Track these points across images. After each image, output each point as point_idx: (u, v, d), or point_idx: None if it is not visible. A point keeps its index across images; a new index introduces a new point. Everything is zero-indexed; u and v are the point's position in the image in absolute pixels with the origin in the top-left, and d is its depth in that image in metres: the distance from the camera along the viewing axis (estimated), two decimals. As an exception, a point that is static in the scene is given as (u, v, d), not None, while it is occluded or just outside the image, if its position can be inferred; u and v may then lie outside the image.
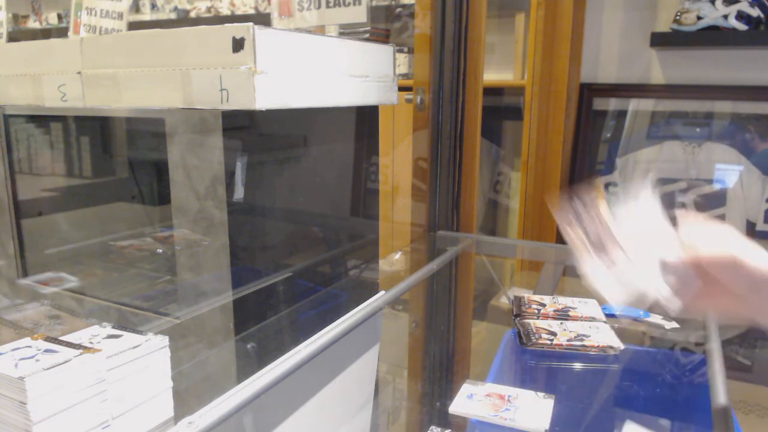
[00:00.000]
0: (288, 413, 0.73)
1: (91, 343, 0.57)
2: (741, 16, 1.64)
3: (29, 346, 0.55)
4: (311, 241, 1.09)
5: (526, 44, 2.08)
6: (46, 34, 3.78)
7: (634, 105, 1.95)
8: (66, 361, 0.51)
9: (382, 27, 2.55)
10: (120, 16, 0.99)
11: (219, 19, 3.14)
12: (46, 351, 0.54)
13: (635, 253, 0.57)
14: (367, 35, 2.31)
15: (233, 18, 3.07)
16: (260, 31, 0.72)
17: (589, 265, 0.58)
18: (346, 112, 1.10)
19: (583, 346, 1.00)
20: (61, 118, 1.13)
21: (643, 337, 1.14)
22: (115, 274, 1.11)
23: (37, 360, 0.52)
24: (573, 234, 0.60)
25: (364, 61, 0.95)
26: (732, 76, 1.81)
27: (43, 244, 1.14)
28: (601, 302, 1.18)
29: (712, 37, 1.71)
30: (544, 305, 1.14)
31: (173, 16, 3.25)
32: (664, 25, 1.85)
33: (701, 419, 0.92)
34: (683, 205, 1.86)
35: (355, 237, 1.21)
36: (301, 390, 0.75)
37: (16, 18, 3.89)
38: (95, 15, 1.00)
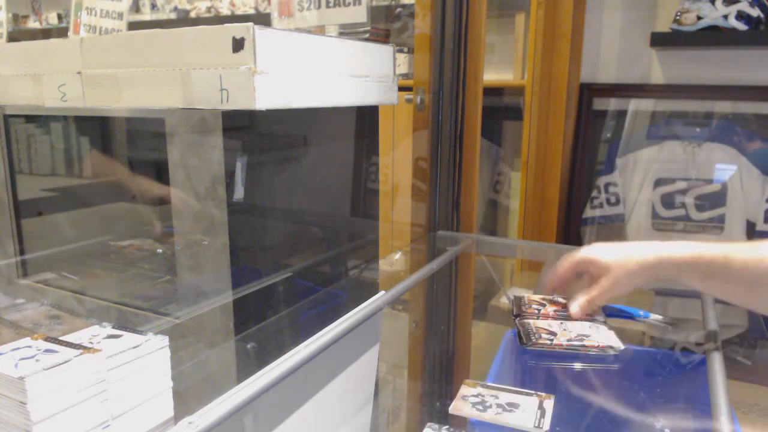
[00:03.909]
0: (288, 413, 0.73)
1: (91, 343, 0.57)
2: (741, 16, 1.65)
3: (29, 346, 0.55)
4: (311, 241, 1.09)
5: (526, 44, 2.08)
6: (46, 34, 3.78)
7: (634, 105, 1.95)
8: (66, 361, 0.51)
9: (382, 27, 2.55)
10: (120, 16, 0.99)
11: (219, 19, 3.14)
12: (46, 351, 0.54)
13: None
14: (367, 35, 2.31)
15: (233, 18, 3.07)
16: (260, 31, 0.72)
17: None
18: (346, 112, 1.10)
19: (583, 346, 1.00)
20: (61, 118, 1.13)
21: (643, 337, 1.14)
22: (115, 274, 1.11)
23: (37, 360, 0.52)
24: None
25: (364, 61, 0.95)
26: (732, 76, 1.81)
27: (43, 244, 1.14)
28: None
29: (712, 37, 1.71)
30: (544, 305, 1.14)
31: (173, 16, 3.25)
32: (664, 25, 1.85)
33: (701, 419, 0.92)
34: (683, 205, 1.86)
35: (355, 237, 1.21)
36: (301, 390, 0.75)
37: (16, 18, 3.89)
38: (95, 15, 1.00)
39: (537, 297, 1.18)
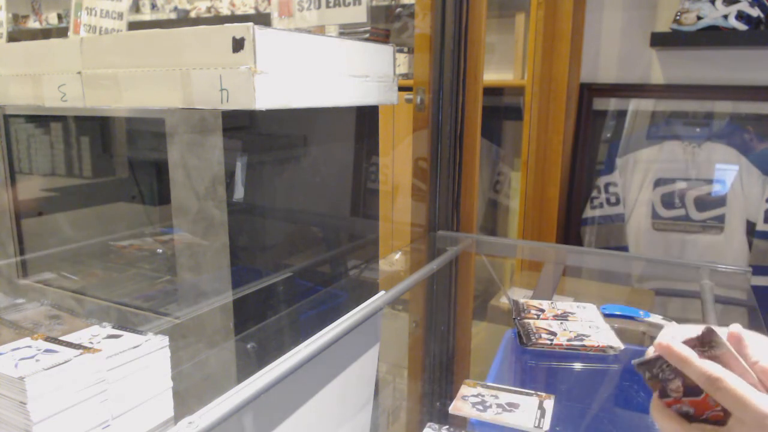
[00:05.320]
0: (288, 413, 0.73)
1: (91, 343, 0.57)
2: (741, 16, 1.64)
3: (29, 346, 0.55)
4: (311, 241, 1.09)
5: (526, 44, 2.08)
6: (46, 34, 3.78)
7: (634, 105, 1.95)
8: (66, 361, 0.51)
9: (382, 27, 2.55)
10: (120, 16, 0.99)
11: (219, 19, 3.14)
12: (46, 351, 0.54)
13: None
14: (367, 35, 2.31)
15: (233, 18, 3.07)
16: (260, 31, 0.72)
17: None
18: (346, 112, 1.10)
19: (583, 346, 1.00)
20: (61, 118, 1.13)
21: (643, 337, 1.14)
22: (115, 274, 1.11)
23: (37, 360, 0.52)
24: None
25: (364, 61, 0.95)
26: (732, 76, 1.81)
27: (43, 244, 1.14)
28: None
29: (712, 37, 1.71)
30: (542, 311, 1.14)
31: (173, 16, 3.25)
32: (664, 25, 1.85)
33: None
34: (683, 205, 1.86)
35: (355, 237, 1.21)
36: (301, 390, 0.75)
37: (16, 18, 3.89)
38: (95, 15, 1.00)
39: (535, 302, 1.18)
